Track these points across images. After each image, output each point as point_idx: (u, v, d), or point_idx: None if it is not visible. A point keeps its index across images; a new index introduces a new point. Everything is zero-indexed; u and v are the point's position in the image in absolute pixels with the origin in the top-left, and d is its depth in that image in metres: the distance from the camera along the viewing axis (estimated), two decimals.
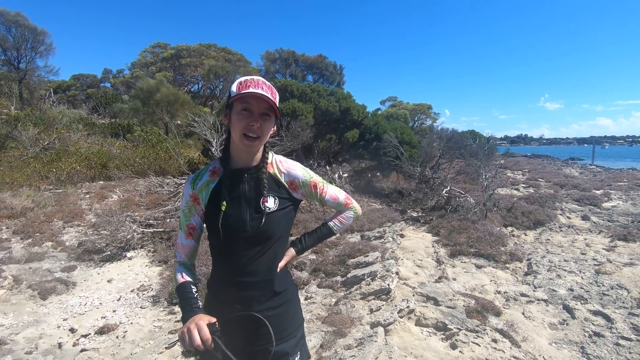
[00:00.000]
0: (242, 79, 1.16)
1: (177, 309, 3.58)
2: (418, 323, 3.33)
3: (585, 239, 6.07)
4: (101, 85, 31.02)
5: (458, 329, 3.16)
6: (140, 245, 5.15)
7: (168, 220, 5.80)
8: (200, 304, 1.17)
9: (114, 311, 3.61)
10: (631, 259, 5.01)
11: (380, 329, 3.02)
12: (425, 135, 14.48)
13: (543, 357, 2.88)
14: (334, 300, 3.71)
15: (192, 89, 27.43)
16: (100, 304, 3.75)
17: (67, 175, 8.19)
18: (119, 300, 3.84)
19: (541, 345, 3.04)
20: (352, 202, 1.45)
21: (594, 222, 7.32)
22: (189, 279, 1.23)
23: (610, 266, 4.67)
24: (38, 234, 5.19)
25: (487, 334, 3.09)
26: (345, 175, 9.59)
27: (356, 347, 2.82)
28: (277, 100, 1.17)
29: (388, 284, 3.76)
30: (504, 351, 2.86)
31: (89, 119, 15.70)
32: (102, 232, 5.29)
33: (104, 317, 3.48)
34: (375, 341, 2.82)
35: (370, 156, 10.26)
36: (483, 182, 7.82)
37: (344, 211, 1.44)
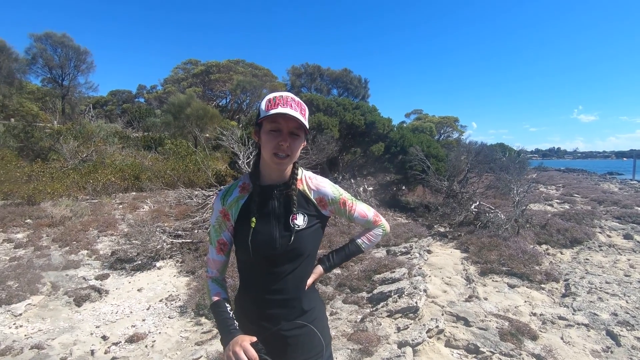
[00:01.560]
0: (271, 96, 1.15)
1: (203, 320, 3.62)
2: (448, 344, 3.20)
3: (629, 260, 5.68)
4: (135, 100, 32.60)
5: (491, 352, 3.00)
6: (169, 256, 5.28)
7: (196, 231, 5.93)
8: (237, 324, 1.17)
9: (144, 320, 3.69)
10: None
11: (409, 349, 2.92)
12: (452, 149, 14.21)
13: None
14: (359, 316, 3.63)
15: (220, 103, 28.34)
16: (131, 312, 3.85)
17: (103, 186, 8.58)
18: (148, 309, 3.93)
19: None
20: (380, 219, 1.42)
21: (638, 242, 6.85)
22: (222, 296, 1.25)
23: None
24: (75, 242, 5.43)
25: (522, 359, 2.92)
26: (370, 188, 9.52)
27: None
28: (306, 116, 1.17)
29: (416, 302, 3.65)
30: None
31: (124, 132, 16.48)
32: (134, 241, 5.47)
33: (134, 326, 3.56)
34: None
35: (396, 170, 10.15)
36: (514, 197, 7.53)
37: (372, 228, 1.41)
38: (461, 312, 3.65)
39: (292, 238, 1.17)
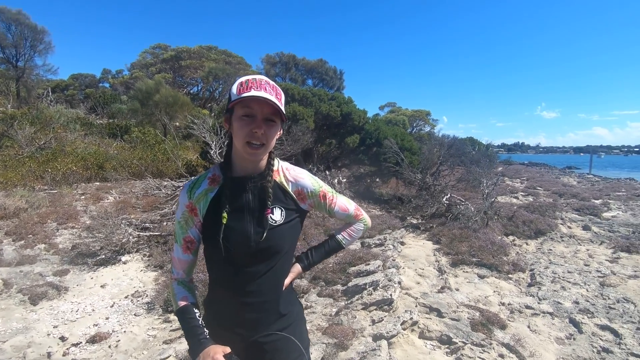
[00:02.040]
0: (243, 79, 1.04)
1: (172, 317, 3.46)
2: (422, 336, 3.23)
3: (588, 250, 6.00)
4: (100, 85, 30.85)
5: (463, 342, 3.05)
6: (135, 249, 5.03)
7: (165, 223, 5.68)
8: (207, 332, 1.07)
9: (107, 318, 3.48)
10: (635, 271, 4.94)
11: (384, 342, 2.91)
12: (424, 142, 14.45)
13: None
14: (334, 310, 3.60)
15: (191, 91, 27.34)
16: (93, 310, 3.62)
17: (63, 176, 8.05)
18: (112, 306, 3.72)
19: None
20: (362, 213, 1.34)
21: (595, 233, 7.26)
22: (189, 300, 1.13)
23: (614, 278, 4.59)
24: (31, 236, 5.06)
25: (493, 348, 3.00)
26: (345, 180, 9.50)
27: None
28: (282, 102, 1.06)
29: (390, 294, 3.65)
30: None
31: (87, 119, 15.54)
32: (97, 234, 5.16)
33: (96, 325, 3.35)
34: (379, 355, 2.71)
35: (370, 162, 10.18)
36: (484, 190, 7.75)
37: (353, 223, 1.33)
38: (434, 304, 3.70)
39: (265, 234, 1.07)
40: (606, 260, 5.45)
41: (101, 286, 4.11)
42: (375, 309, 3.56)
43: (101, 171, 8.90)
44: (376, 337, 3.05)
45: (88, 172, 8.72)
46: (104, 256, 4.74)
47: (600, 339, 3.28)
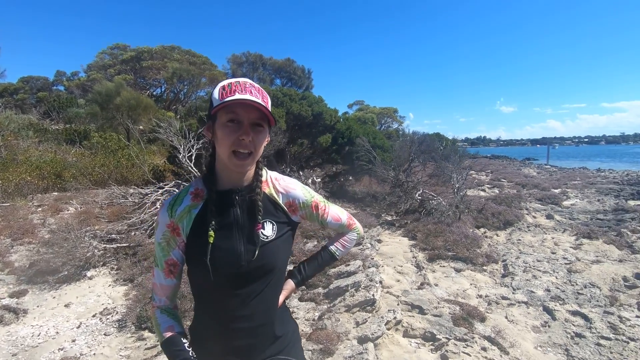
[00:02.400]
0: (226, 82, 0.96)
1: (147, 334, 3.26)
2: (406, 334, 3.23)
3: (553, 238, 6.30)
4: (54, 88, 28.99)
5: (447, 338, 3.08)
6: (102, 263, 4.72)
7: (133, 233, 5.38)
8: None
9: (73, 341, 3.22)
10: (597, 256, 5.23)
11: (370, 345, 2.88)
12: (392, 139, 14.67)
13: None
14: (317, 314, 3.53)
15: (154, 93, 26.29)
16: (57, 333, 3.34)
17: (16, 187, 7.45)
18: (78, 327, 3.45)
19: (528, 350, 3.04)
20: (354, 222, 1.28)
21: (558, 221, 7.65)
22: (176, 330, 1.02)
23: (580, 264, 4.83)
24: None
25: (475, 342, 3.05)
26: (319, 180, 9.46)
27: None
28: (269, 106, 0.98)
29: (373, 294, 3.64)
30: None
31: (40, 124, 14.52)
32: (58, 249, 4.79)
33: (62, 349, 3.09)
34: (367, 359, 2.68)
35: (343, 160, 10.20)
36: (455, 184, 7.96)
37: (346, 233, 1.27)
38: (415, 301, 3.73)
39: (258, 252, 0.98)
40: (570, 247, 5.75)
41: (65, 305, 3.81)
42: (359, 310, 3.53)
43: (59, 180, 8.32)
44: (361, 340, 3.02)
45: (44, 181, 8.13)
46: (66, 272, 4.40)
47: (573, 324, 3.43)
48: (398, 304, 3.70)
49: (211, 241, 0.96)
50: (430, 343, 3.10)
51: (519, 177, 15.94)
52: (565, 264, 4.95)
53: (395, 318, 3.32)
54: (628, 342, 3.09)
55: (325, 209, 1.17)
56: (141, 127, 13.85)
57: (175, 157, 7.41)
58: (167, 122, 8.11)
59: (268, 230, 1.02)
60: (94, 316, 3.64)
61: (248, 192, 1.02)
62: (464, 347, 2.98)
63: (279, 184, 1.09)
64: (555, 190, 12.09)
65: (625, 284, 4.30)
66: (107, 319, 3.59)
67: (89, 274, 4.48)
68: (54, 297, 3.96)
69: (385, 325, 3.22)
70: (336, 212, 1.22)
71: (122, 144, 10.23)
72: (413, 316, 3.47)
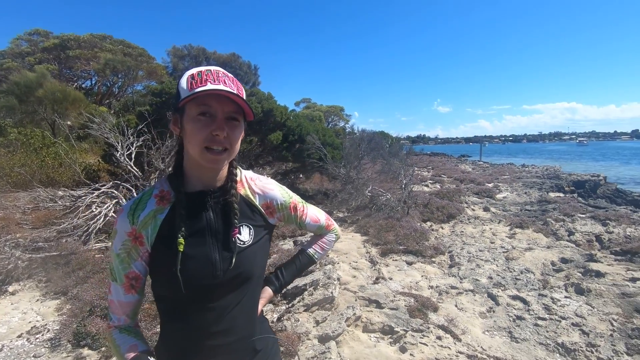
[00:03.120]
0: (194, 70, 0.85)
1: (87, 351, 2.93)
2: (365, 329, 3.27)
3: (491, 229, 6.82)
4: None
5: (404, 330, 3.17)
6: (27, 275, 4.18)
7: (64, 240, 4.82)
8: None
9: None
10: (529, 244, 5.76)
11: (332, 343, 2.87)
12: (339, 136, 14.89)
13: (482, 347, 3.05)
14: (276, 315, 3.44)
15: (83, 85, 23.98)
16: None
17: None
18: (1, 350, 3.00)
19: (477, 336, 3.23)
20: (332, 223, 1.24)
21: (493, 213, 8.31)
22: (140, 349, 0.88)
23: (515, 252, 5.28)
24: None
25: (431, 332, 3.17)
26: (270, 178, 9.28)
27: None
28: (244, 97, 0.87)
29: (331, 292, 3.63)
30: (450, 347, 2.95)
31: None
32: None
33: None
34: (330, 358, 2.66)
35: (294, 158, 10.12)
36: (402, 180, 8.28)
37: (324, 234, 1.22)
38: (372, 296, 3.79)
39: (235, 259, 0.88)
40: (506, 236, 6.27)
41: None
42: (318, 309, 3.50)
43: None
44: (322, 339, 3.00)
45: None
46: None
47: (514, 308, 3.73)
48: (356, 300, 3.74)
49: (181, 249, 0.84)
50: (389, 336, 3.16)
51: (457, 173, 17.09)
52: (503, 252, 5.38)
53: (354, 314, 3.34)
54: (560, 321, 3.43)
55: (303, 210, 1.11)
56: (69, 122, 12.55)
57: (112, 155, 6.81)
58: (100, 118, 7.42)
59: (245, 235, 0.93)
60: (19, 337, 3.20)
61: (222, 193, 0.92)
62: (420, 337, 3.08)
63: (255, 184, 1.01)
64: (489, 185, 13.14)
65: (553, 268, 4.78)
66: (37, 338, 3.17)
67: (10, 288, 3.94)
68: None
69: (345, 322, 3.22)
70: (314, 213, 1.17)
71: (47, 141, 9.17)
72: (371, 311, 3.52)
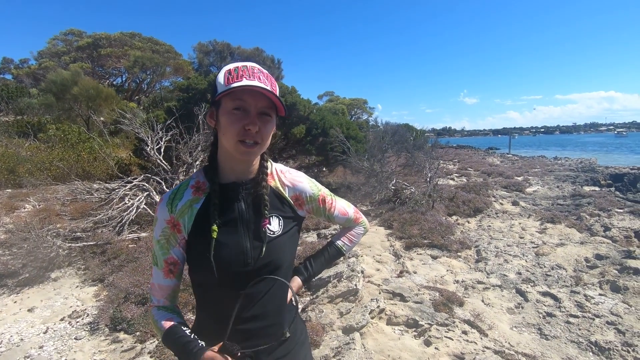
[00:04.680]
0: (231, 66, 0.89)
1: (122, 335, 3.10)
2: (389, 322, 3.28)
3: (520, 223, 6.61)
4: (0, 77, 26.80)
5: (429, 324, 3.15)
6: (67, 263, 4.44)
7: (100, 230, 5.09)
8: (202, 343, 0.90)
9: (41, 347, 3.01)
10: (561, 239, 5.55)
11: (357, 335, 2.90)
12: (362, 129, 14.80)
13: (509, 342, 2.99)
14: (301, 306, 3.51)
15: (114, 82, 24.94)
16: (22, 340, 3.11)
17: None
18: (45, 332, 3.23)
19: (505, 332, 3.17)
20: (361, 216, 1.26)
21: (523, 207, 8.04)
22: (176, 320, 0.95)
23: (546, 248, 5.10)
24: None
25: (456, 326, 3.14)
26: None
27: (334, 357, 2.67)
28: (278, 93, 0.91)
29: (355, 284, 3.65)
30: (476, 342, 2.92)
31: None
32: (16, 250, 4.45)
33: (28, 357, 2.88)
34: (354, 348, 2.69)
35: (317, 151, 10.16)
36: (427, 173, 8.15)
37: (353, 227, 1.25)
38: (397, 289, 3.78)
39: (265, 248, 0.93)
40: (536, 231, 6.06)
41: (28, 310, 3.56)
42: (342, 301, 3.54)
43: (13, 176, 7.73)
44: (347, 330, 3.03)
45: None
46: (27, 275, 4.10)
47: (544, 304, 3.62)
48: (380, 293, 3.74)
49: (215, 237, 0.90)
50: (414, 329, 3.16)
51: (484, 166, 16.61)
52: (533, 247, 5.21)
53: (378, 307, 3.35)
54: (594, 319, 3.30)
55: (332, 203, 1.14)
56: (102, 118, 13.12)
57: (142, 150, 7.07)
58: (132, 113, 7.72)
59: (275, 226, 0.97)
60: (62, 320, 3.42)
61: (253, 185, 0.96)
62: (445, 331, 3.06)
63: (285, 176, 1.05)
64: (519, 178, 12.70)
65: (587, 264, 4.59)
66: (77, 322, 3.38)
67: (53, 275, 4.21)
68: (15, 302, 3.69)
69: (369, 314, 3.24)
70: (343, 205, 1.19)
71: (83, 136, 9.64)
72: (395, 304, 3.52)
